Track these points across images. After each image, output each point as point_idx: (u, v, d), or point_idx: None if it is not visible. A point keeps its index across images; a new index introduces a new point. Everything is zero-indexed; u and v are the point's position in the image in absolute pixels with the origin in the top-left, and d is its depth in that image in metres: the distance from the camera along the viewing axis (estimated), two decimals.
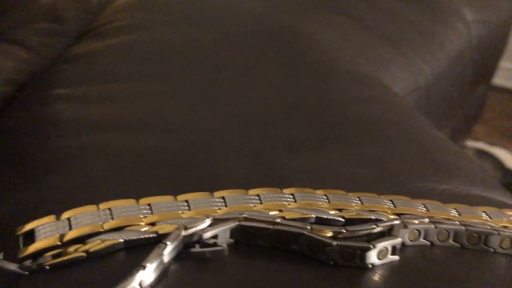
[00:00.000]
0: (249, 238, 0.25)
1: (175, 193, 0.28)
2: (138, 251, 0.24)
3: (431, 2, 1.00)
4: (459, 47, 0.94)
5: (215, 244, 0.24)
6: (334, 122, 0.38)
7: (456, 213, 0.29)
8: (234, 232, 0.25)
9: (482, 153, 1.51)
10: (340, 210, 0.28)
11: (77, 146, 0.32)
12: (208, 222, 0.24)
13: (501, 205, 0.33)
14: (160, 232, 0.25)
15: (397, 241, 0.24)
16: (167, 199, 0.27)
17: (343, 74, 0.47)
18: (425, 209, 0.29)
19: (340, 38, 0.70)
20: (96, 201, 0.26)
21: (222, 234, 0.24)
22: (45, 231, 0.25)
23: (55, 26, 0.62)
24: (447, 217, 0.28)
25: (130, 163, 0.31)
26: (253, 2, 0.70)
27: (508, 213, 0.31)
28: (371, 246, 0.23)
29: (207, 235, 0.24)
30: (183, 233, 0.23)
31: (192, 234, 0.24)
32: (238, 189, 0.28)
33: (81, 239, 0.24)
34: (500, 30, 1.22)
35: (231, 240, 0.25)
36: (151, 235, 0.25)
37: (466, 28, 1.01)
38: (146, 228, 0.25)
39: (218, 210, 0.27)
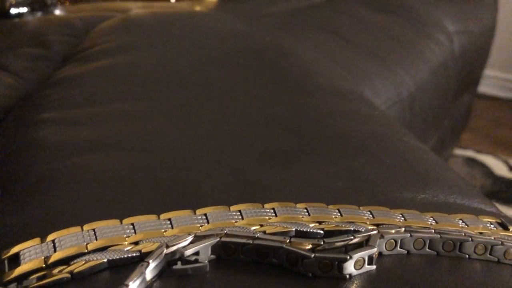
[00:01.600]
0: (230, 253, 0.25)
1: (158, 211, 0.28)
2: (122, 270, 0.24)
3: (413, 15, 1.02)
4: (441, 58, 0.96)
5: (196, 261, 0.24)
6: (315, 136, 0.39)
7: (433, 221, 0.30)
8: (215, 248, 0.25)
9: (470, 161, 1.53)
10: (320, 222, 0.28)
11: (62, 169, 0.33)
12: (189, 239, 0.25)
13: (479, 212, 0.33)
14: (143, 250, 0.25)
15: (373, 251, 0.25)
16: (150, 218, 0.28)
17: (324, 89, 0.48)
18: (403, 218, 0.30)
19: (322, 54, 0.71)
20: (80, 222, 0.27)
21: (204, 250, 0.25)
22: (30, 254, 0.25)
23: (41, 51, 0.63)
24: (424, 225, 0.29)
25: (113, 183, 0.31)
26: (236, 22, 0.71)
27: (484, 219, 0.31)
28: (348, 257, 0.24)
29: (188, 252, 0.24)
30: (165, 251, 0.24)
31: (175, 252, 0.24)
32: (220, 206, 0.29)
33: (66, 261, 0.25)
34: (482, 40, 1.24)
35: (213, 256, 0.25)
36: (134, 254, 0.25)
37: (448, 39, 1.03)
38: (129, 247, 0.26)
39: (200, 227, 0.27)
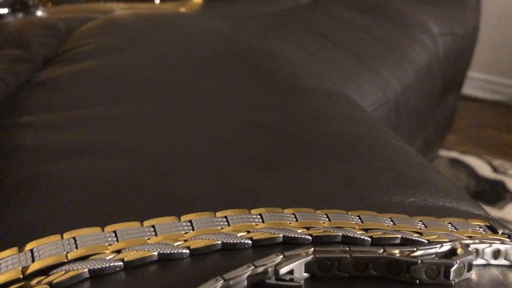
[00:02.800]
0: (327, 270, 0.24)
1: (142, 218, 0.27)
2: (103, 280, 0.23)
3: (398, 17, 1.03)
4: (426, 60, 0.96)
5: (292, 280, 0.23)
6: (301, 139, 0.39)
7: (422, 225, 0.29)
8: (309, 265, 0.24)
9: (455, 162, 1.54)
10: (308, 228, 0.28)
11: (42, 175, 0.32)
12: (278, 259, 0.24)
13: (467, 215, 0.33)
14: (126, 259, 0.24)
15: (472, 258, 0.25)
16: (133, 225, 0.27)
17: (310, 91, 0.48)
18: (392, 223, 0.29)
19: (308, 56, 0.71)
20: (61, 230, 0.26)
21: (298, 268, 0.24)
22: (7, 264, 0.24)
23: (21, 53, 0.62)
24: (414, 230, 0.29)
25: (95, 189, 0.30)
26: (221, 24, 0.70)
27: (473, 223, 0.31)
28: (454, 262, 0.23)
29: (283, 270, 0.23)
30: (252, 271, 0.22)
31: (265, 271, 0.23)
32: (205, 212, 0.28)
33: (45, 271, 0.24)
34: (466, 42, 1.25)
35: (306, 275, 0.24)
36: (116, 263, 0.24)
37: (433, 41, 1.03)
38: (111, 256, 0.25)
39: (185, 234, 0.26)
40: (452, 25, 1.15)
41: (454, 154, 1.57)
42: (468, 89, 1.78)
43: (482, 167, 1.52)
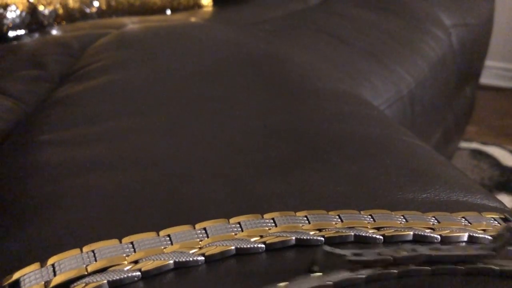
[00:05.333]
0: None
1: (158, 227, 0.28)
2: None
3: (408, 11, 1.02)
4: (440, 53, 0.95)
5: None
6: (312, 141, 0.39)
7: (435, 221, 0.30)
8: None
9: (477, 153, 1.52)
10: (320, 230, 0.28)
11: (61, 191, 0.33)
12: None
13: (482, 208, 0.33)
14: (143, 269, 0.25)
15: None
16: (150, 235, 0.28)
17: (321, 93, 0.48)
18: (404, 220, 0.29)
19: (319, 57, 0.71)
20: (80, 244, 0.27)
21: None
22: (30, 279, 0.25)
23: (38, 72, 0.63)
24: (426, 226, 0.29)
25: (112, 202, 0.31)
26: (231, 31, 0.71)
27: (487, 216, 0.31)
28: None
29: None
30: None
31: None
32: (219, 219, 0.29)
33: (66, 284, 0.25)
34: (481, 31, 1.24)
35: None
36: (134, 273, 0.25)
37: (446, 33, 1.02)
38: (129, 267, 0.25)
39: (200, 242, 0.27)
40: (465, 15, 1.14)
41: (475, 145, 1.55)
42: (486, 79, 1.75)
43: (506, 157, 1.49)
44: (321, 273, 0.23)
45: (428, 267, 0.24)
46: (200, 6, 1.03)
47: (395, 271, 0.24)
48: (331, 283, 0.23)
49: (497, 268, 0.25)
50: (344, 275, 0.23)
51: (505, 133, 1.64)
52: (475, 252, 0.25)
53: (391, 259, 0.24)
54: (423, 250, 0.25)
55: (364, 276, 0.23)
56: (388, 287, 0.23)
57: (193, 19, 0.88)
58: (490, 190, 1.33)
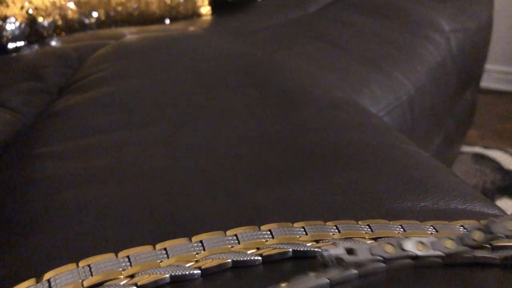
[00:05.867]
0: None
1: (154, 241, 0.28)
2: None
3: (407, 17, 1.02)
4: (439, 58, 0.95)
5: None
6: (309, 151, 0.39)
7: (433, 230, 0.29)
8: None
9: (479, 157, 1.51)
10: (317, 241, 0.28)
11: (56, 204, 0.33)
12: None
13: (481, 216, 0.33)
14: (139, 283, 0.25)
15: None
16: (146, 249, 0.27)
17: (318, 102, 0.48)
18: (402, 229, 0.29)
19: (317, 64, 0.71)
20: (76, 258, 0.27)
21: None
22: None
23: (37, 84, 0.63)
24: (424, 235, 0.29)
25: (108, 215, 0.31)
26: (229, 40, 0.71)
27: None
28: None
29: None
30: None
31: None
32: (216, 231, 0.29)
33: None
34: (480, 35, 1.24)
35: None
36: None
37: (445, 38, 1.02)
38: (125, 281, 0.25)
39: (196, 255, 0.27)
40: (464, 20, 1.14)
41: (477, 149, 1.55)
42: (487, 82, 1.75)
43: (508, 161, 1.49)
44: (316, 272, 0.24)
45: (411, 261, 0.26)
46: (199, 15, 1.03)
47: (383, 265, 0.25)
48: (327, 280, 0.23)
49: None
50: (337, 272, 0.24)
51: (507, 137, 1.63)
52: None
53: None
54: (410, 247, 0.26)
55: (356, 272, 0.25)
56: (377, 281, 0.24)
57: (191, 29, 0.89)
58: (492, 194, 1.32)
